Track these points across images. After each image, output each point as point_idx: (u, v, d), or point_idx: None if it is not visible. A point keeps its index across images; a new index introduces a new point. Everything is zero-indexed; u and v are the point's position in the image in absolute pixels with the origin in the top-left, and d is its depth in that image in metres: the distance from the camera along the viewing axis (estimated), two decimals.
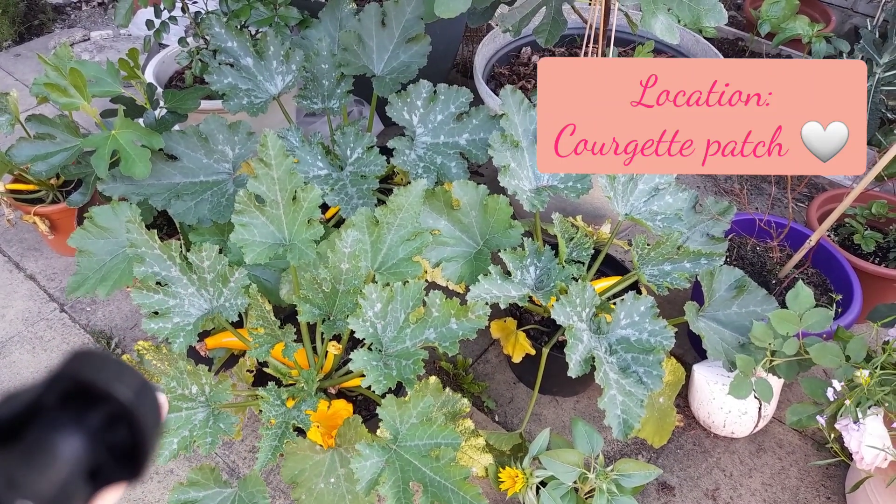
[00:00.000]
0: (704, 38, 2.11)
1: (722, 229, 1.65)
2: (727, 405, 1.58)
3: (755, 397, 1.30)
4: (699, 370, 1.61)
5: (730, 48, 2.68)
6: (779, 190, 2.37)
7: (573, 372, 1.19)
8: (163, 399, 0.42)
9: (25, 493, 0.30)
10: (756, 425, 1.62)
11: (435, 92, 1.60)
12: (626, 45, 2.11)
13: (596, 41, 1.82)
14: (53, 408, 0.33)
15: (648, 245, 1.41)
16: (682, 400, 1.73)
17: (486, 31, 2.86)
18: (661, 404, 1.49)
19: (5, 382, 1.79)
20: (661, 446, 1.60)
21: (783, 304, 1.35)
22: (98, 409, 0.34)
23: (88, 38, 3.21)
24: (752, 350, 1.32)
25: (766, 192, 2.38)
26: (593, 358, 1.22)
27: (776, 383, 1.53)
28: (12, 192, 1.96)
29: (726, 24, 1.81)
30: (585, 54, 1.87)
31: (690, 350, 1.85)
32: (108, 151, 1.41)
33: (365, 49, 1.77)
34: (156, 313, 1.21)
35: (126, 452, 0.35)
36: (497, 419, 1.71)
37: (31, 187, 1.97)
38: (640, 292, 1.65)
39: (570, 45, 2.17)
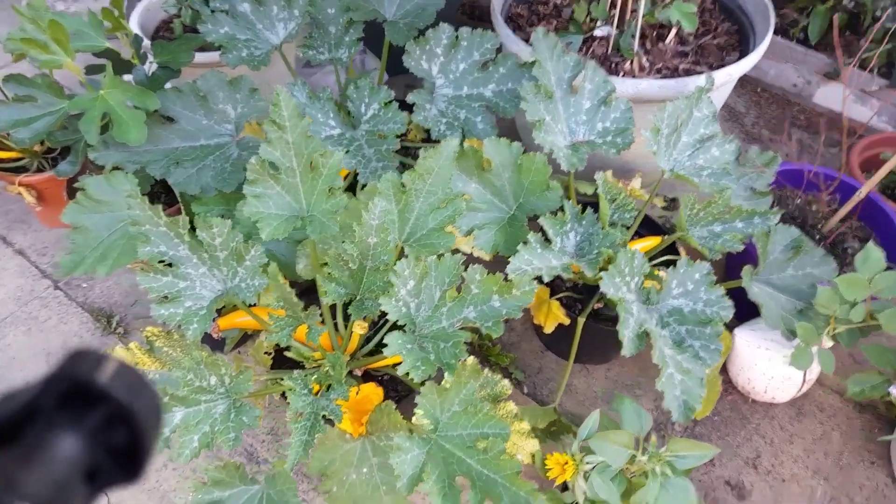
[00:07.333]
0: None
1: (766, 182, 1.54)
2: (770, 371, 1.49)
3: None
4: (740, 334, 1.51)
5: None
6: (809, 135, 2.24)
7: (627, 350, 1.09)
8: None
9: (23, 494, 0.30)
10: (799, 390, 1.54)
11: (457, 37, 1.44)
12: None
13: None
14: (51, 408, 0.33)
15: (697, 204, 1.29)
16: None
17: None
18: (707, 375, 1.40)
19: (1, 367, 1.68)
20: None
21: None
22: (96, 410, 0.34)
23: None
24: (813, 317, 1.23)
25: (794, 137, 2.25)
26: (646, 333, 1.12)
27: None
28: None
29: None
30: None
31: None
32: (98, 114, 1.26)
33: None
34: (165, 297, 1.09)
35: (125, 453, 0.35)
36: (525, 391, 1.62)
37: (13, 155, 1.81)
38: (677, 254, 1.54)
39: None
